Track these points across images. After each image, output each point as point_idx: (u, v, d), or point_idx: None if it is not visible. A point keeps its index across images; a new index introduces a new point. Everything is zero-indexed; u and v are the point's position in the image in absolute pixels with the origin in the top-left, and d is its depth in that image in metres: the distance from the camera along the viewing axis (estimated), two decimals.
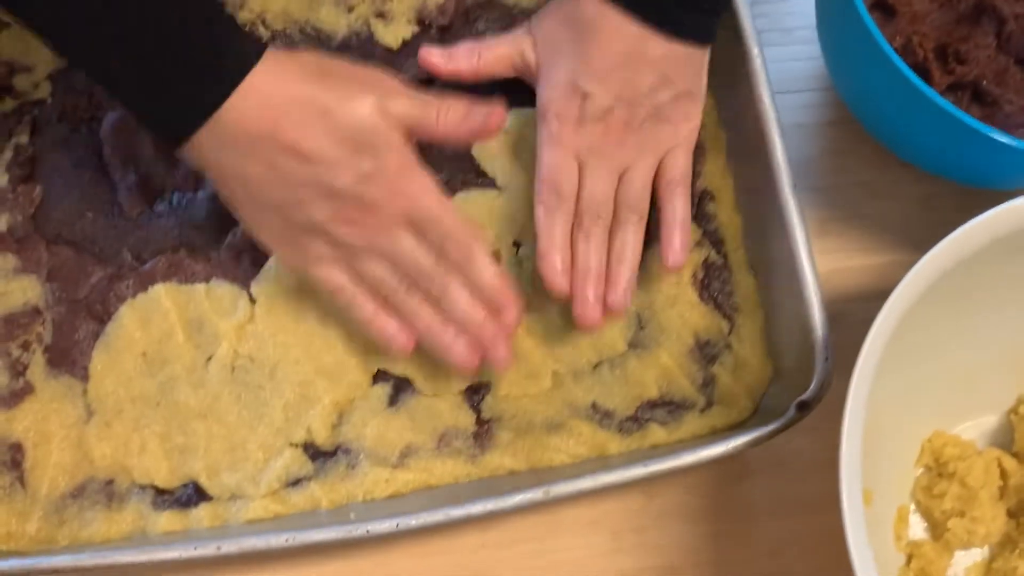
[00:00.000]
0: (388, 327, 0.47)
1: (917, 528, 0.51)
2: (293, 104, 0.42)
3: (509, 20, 0.55)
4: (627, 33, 0.46)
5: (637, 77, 0.47)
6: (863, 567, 0.37)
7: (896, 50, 0.46)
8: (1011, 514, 0.51)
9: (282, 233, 0.46)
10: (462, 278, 0.47)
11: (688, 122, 0.50)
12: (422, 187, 0.46)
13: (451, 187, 0.53)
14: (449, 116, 0.46)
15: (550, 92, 0.48)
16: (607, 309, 0.49)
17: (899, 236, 0.57)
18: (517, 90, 0.52)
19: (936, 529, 0.51)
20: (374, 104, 0.44)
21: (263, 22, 0.55)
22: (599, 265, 0.49)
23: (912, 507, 0.52)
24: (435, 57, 0.50)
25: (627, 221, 0.49)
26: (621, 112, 0.48)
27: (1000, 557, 0.50)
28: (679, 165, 0.50)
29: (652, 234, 0.52)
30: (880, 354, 0.40)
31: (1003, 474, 0.50)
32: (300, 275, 0.48)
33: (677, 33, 0.46)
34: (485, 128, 0.46)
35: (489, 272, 0.47)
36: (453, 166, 0.53)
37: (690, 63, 0.48)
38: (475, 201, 0.52)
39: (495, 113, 0.46)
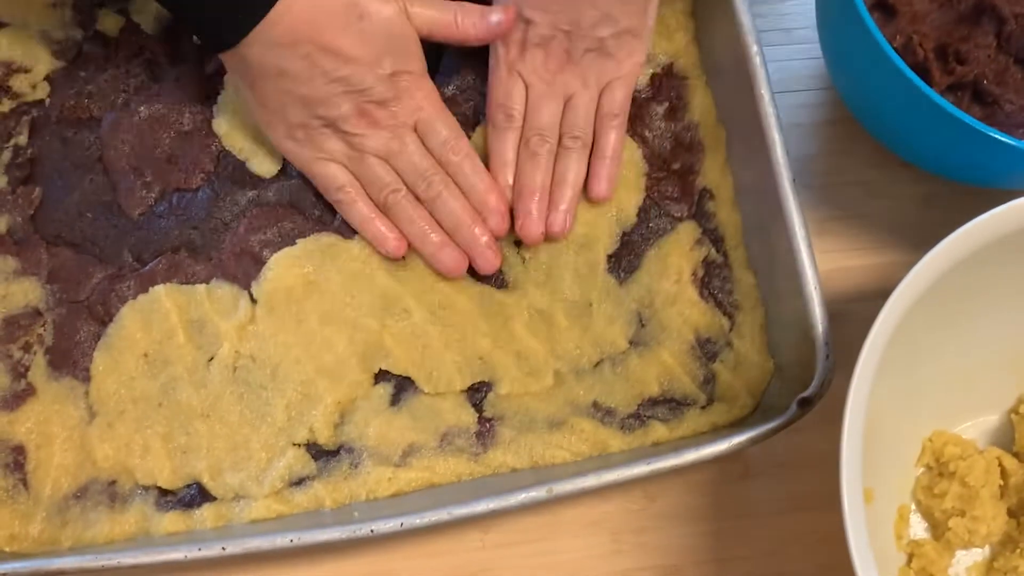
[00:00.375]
0: (382, 228, 0.51)
1: (918, 528, 0.51)
2: (336, 8, 0.46)
3: None
4: None
5: (578, 11, 0.49)
6: (863, 566, 0.37)
7: (896, 50, 0.46)
8: (1011, 513, 0.51)
9: (300, 128, 0.49)
10: (455, 184, 0.51)
11: (631, 58, 0.52)
12: (431, 93, 0.51)
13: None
14: (466, 19, 0.50)
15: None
16: (548, 229, 0.51)
17: (899, 236, 0.57)
18: None
19: (937, 529, 0.51)
20: (401, 8, 0.48)
21: None
22: (543, 184, 0.51)
23: (913, 507, 0.52)
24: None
25: (571, 147, 0.52)
26: (561, 42, 0.50)
27: (1001, 556, 0.50)
28: (617, 99, 0.52)
29: (652, 228, 0.52)
30: (881, 353, 0.40)
31: (1004, 473, 0.50)
32: (305, 171, 0.51)
33: None
34: (498, 29, 0.50)
35: (481, 177, 0.51)
36: None
37: (633, 1, 0.49)
38: None
39: (507, 17, 0.50)
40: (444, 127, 0.50)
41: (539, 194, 0.51)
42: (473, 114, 0.54)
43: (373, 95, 0.48)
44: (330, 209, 0.52)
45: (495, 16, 0.50)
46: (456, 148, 0.51)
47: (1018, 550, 0.49)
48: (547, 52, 0.50)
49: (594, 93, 0.52)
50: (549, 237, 0.52)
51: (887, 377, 0.41)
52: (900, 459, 0.51)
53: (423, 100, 0.50)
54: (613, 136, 0.52)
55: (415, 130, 0.50)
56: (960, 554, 0.51)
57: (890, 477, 0.51)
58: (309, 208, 0.52)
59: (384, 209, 0.51)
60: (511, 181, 0.52)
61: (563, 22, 0.49)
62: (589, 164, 0.52)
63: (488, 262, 0.50)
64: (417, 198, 0.51)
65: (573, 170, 0.52)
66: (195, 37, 0.49)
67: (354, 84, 0.47)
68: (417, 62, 0.50)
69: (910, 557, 0.50)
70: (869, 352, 0.40)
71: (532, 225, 0.51)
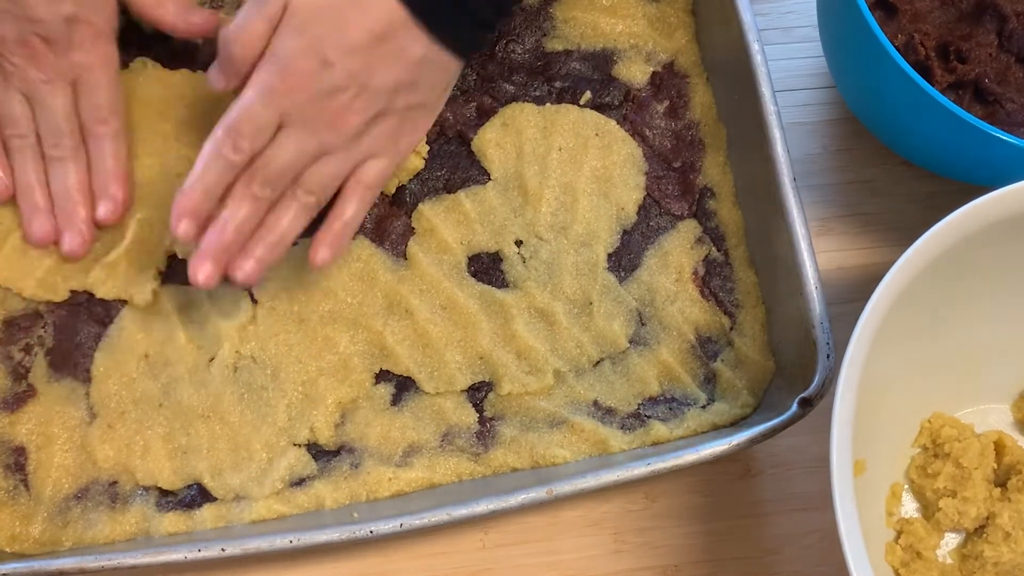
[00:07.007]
0: None
1: (910, 507, 0.51)
2: None
3: None
4: (390, 9, 0.43)
5: (385, 68, 0.45)
6: (848, 525, 0.37)
7: (897, 49, 0.46)
8: (997, 484, 0.51)
9: None
10: (86, 158, 0.49)
11: (411, 136, 0.49)
12: (109, 57, 0.48)
13: (452, 185, 0.53)
14: (169, 4, 0.49)
15: (293, 42, 0.43)
16: (231, 277, 0.45)
17: (900, 234, 0.57)
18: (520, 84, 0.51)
19: (928, 508, 0.51)
20: None
21: None
22: (240, 231, 0.45)
23: (906, 486, 0.52)
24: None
25: (295, 198, 0.46)
26: (350, 96, 0.44)
27: (970, 541, 0.50)
28: (376, 172, 0.48)
29: (653, 226, 0.52)
30: (884, 316, 0.40)
31: (999, 456, 0.50)
32: None
33: (437, 26, 0.44)
34: (195, 29, 0.49)
35: (115, 161, 0.49)
36: (453, 163, 0.53)
37: (443, 74, 0.48)
38: (476, 197, 0.52)
39: (206, 21, 0.49)
40: (106, 95, 0.48)
41: (229, 241, 0.45)
42: (476, 115, 0.53)
43: (41, 29, 0.46)
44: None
45: (197, 17, 0.49)
46: (106, 120, 0.48)
47: (985, 534, 0.49)
48: (330, 101, 0.44)
49: (355, 157, 0.46)
50: (234, 284, 0.46)
51: (889, 354, 0.41)
52: (898, 438, 0.51)
53: (96, 59, 0.48)
54: (355, 204, 0.47)
55: (75, 87, 0.48)
56: (949, 536, 0.51)
57: (886, 454, 0.51)
58: None
59: (5, 149, 0.49)
60: (193, 204, 0.44)
61: (363, 74, 0.44)
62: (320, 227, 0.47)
63: (72, 241, 0.48)
64: (44, 154, 0.49)
65: (286, 223, 0.46)
66: None
67: (25, 9, 0.45)
68: (104, 17, 0.48)
69: (899, 534, 0.50)
70: (874, 307, 0.40)
71: (202, 271, 0.44)
